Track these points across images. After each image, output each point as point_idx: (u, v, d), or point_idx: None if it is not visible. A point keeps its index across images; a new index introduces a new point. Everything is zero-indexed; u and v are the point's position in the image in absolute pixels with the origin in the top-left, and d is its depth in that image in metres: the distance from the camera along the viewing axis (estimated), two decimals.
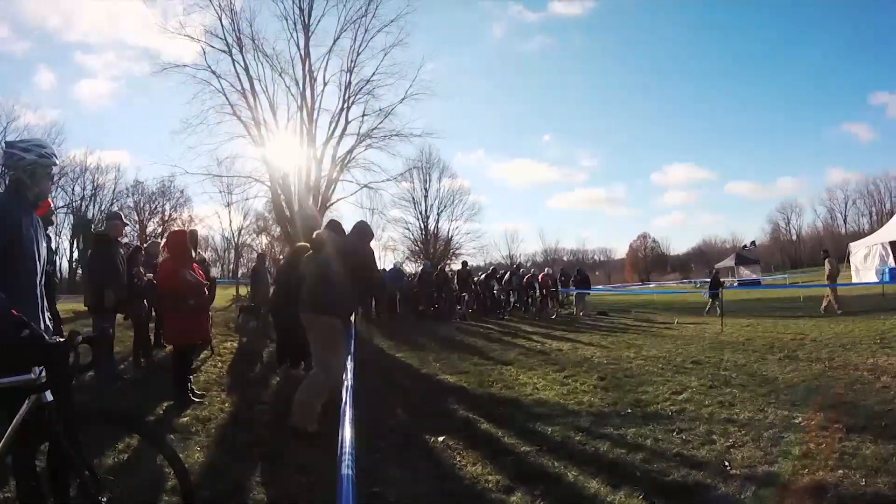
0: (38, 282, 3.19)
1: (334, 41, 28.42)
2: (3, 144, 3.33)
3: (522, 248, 50.39)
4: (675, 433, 5.09)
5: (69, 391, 3.21)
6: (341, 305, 5.64)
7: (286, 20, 27.92)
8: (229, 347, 10.85)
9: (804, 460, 4.22)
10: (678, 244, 61.64)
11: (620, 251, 69.23)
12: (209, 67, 26.88)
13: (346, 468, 2.41)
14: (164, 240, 8.42)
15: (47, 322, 3.30)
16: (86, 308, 7.70)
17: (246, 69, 27.31)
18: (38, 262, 3.18)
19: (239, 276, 41.93)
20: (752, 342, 10.36)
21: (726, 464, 4.32)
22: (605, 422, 5.51)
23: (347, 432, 2.93)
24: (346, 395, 3.87)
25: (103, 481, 3.05)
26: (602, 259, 69.03)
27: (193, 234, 7.07)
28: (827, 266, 16.91)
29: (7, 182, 3.29)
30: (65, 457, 2.77)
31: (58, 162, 3.37)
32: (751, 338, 10.99)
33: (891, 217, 33.67)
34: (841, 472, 4.02)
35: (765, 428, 5.13)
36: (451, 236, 51.01)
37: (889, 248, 26.87)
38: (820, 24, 70.94)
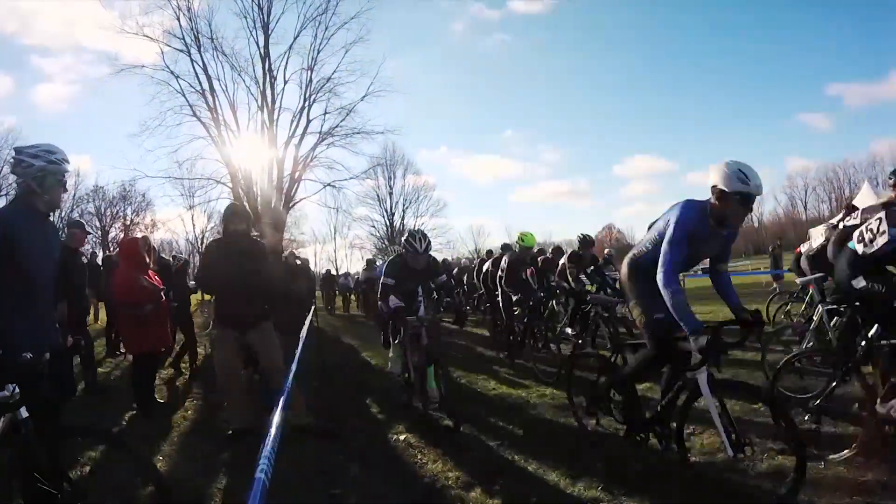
0: (41, 292, 3.07)
1: (294, 39, 28.32)
2: (13, 151, 3.16)
3: (489, 242, 50.17)
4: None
5: (49, 408, 3.09)
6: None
7: (245, 18, 27.75)
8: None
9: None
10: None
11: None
12: (167, 68, 26.56)
13: (261, 472, 2.34)
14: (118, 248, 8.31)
15: (51, 333, 3.18)
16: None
17: (205, 69, 27.06)
18: (41, 273, 3.05)
19: None
20: None
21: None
22: (566, 413, 5.50)
23: (271, 437, 2.88)
24: (280, 400, 3.81)
25: (82, 495, 2.97)
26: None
27: (145, 240, 6.88)
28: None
29: (16, 190, 3.17)
30: (42, 473, 2.67)
31: (69, 168, 3.21)
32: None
33: (850, 201, 34.39)
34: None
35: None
36: None
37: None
38: (776, 17, 72.07)
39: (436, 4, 72.42)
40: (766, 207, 61.48)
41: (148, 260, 6.62)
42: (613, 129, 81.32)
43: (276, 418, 3.27)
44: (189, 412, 6.48)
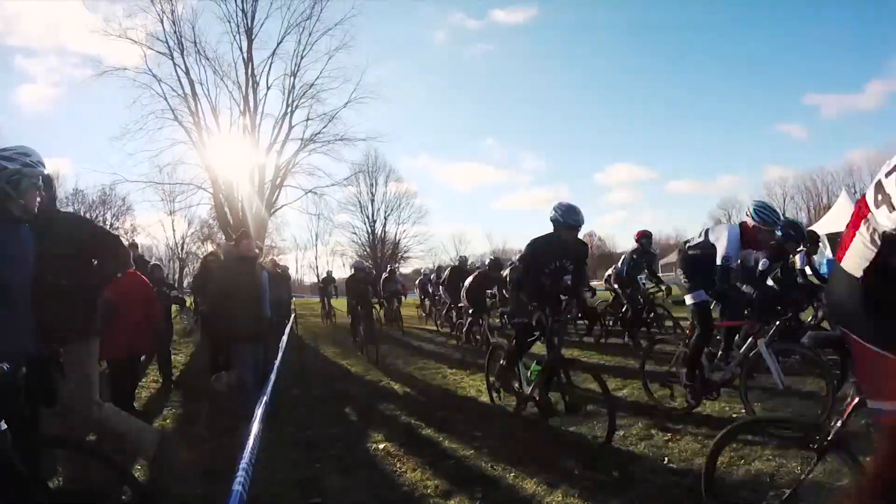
0: (17, 300, 2.97)
1: (278, 44, 28.24)
2: None
3: (470, 249, 50.27)
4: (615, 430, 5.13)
5: (27, 420, 3.01)
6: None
7: (229, 23, 27.61)
8: (173, 361, 10.54)
9: (740, 451, 4.29)
10: (624, 242, 62.43)
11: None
12: (150, 71, 26.33)
13: (238, 484, 2.32)
14: None
15: (28, 342, 3.07)
16: None
17: (187, 73, 26.84)
18: (15, 280, 2.96)
19: (185, 285, 40.96)
20: None
21: (664, 459, 4.39)
22: (545, 421, 5.51)
23: (248, 448, 2.86)
24: (258, 411, 3.78)
25: None
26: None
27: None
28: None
29: None
30: (21, 484, 2.60)
31: (46, 171, 3.08)
32: None
33: (828, 210, 34.95)
34: (776, 461, 4.12)
35: (702, 421, 5.24)
36: (399, 240, 50.95)
37: (826, 240, 27.89)
38: (754, 29, 73.12)
39: (418, 14, 72.66)
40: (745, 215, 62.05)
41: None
42: (594, 137, 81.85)
43: (255, 428, 3.25)
44: (168, 421, 6.41)
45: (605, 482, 4.03)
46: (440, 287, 15.53)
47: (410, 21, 73.89)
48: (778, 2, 69.16)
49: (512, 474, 4.26)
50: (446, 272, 12.91)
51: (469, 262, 18.10)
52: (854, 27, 67.22)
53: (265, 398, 4.32)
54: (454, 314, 13.38)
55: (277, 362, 5.82)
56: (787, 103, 72.79)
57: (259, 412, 3.70)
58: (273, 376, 5.18)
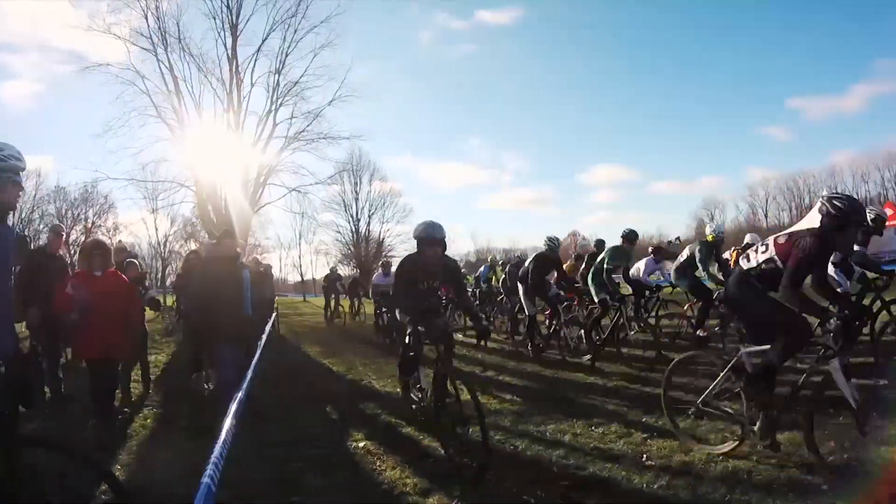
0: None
1: (263, 41, 27.99)
2: None
3: (455, 248, 50.26)
4: (593, 428, 5.18)
5: (6, 418, 2.96)
6: None
7: (214, 19, 27.34)
8: (154, 361, 10.47)
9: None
10: (607, 242, 63.06)
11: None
12: (133, 67, 26.03)
13: (207, 477, 2.31)
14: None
15: (7, 341, 3.01)
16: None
17: (171, 69, 26.57)
18: None
19: (167, 285, 40.59)
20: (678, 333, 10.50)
21: (643, 456, 4.43)
22: (526, 420, 5.55)
23: (219, 442, 2.85)
24: (232, 407, 3.76)
25: None
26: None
27: (84, 247, 6.69)
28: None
29: None
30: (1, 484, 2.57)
31: (25, 166, 2.98)
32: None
33: (809, 210, 35.40)
34: (754, 459, 4.19)
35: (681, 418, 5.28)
36: (383, 239, 50.78)
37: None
38: (738, 33, 73.83)
39: (404, 13, 72.59)
40: (728, 215, 62.44)
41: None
42: (578, 138, 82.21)
43: (227, 424, 3.24)
44: (148, 420, 6.35)
45: (585, 479, 4.07)
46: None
47: (396, 20, 73.82)
48: (763, 6, 69.87)
49: (492, 472, 4.25)
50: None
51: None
52: (838, 31, 68.00)
53: (240, 395, 4.28)
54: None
55: (255, 360, 5.77)
56: (771, 106, 73.50)
57: (233, 408, 3.67)
58: (250, 374, 5.13)
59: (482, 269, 16.98)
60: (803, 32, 68.70)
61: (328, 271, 22.04)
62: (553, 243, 9.47)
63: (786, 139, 71.30)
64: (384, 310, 13.07)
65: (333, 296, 19.88)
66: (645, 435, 4.91)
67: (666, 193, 77.47)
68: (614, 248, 9.16)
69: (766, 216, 60.40)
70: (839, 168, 57.64)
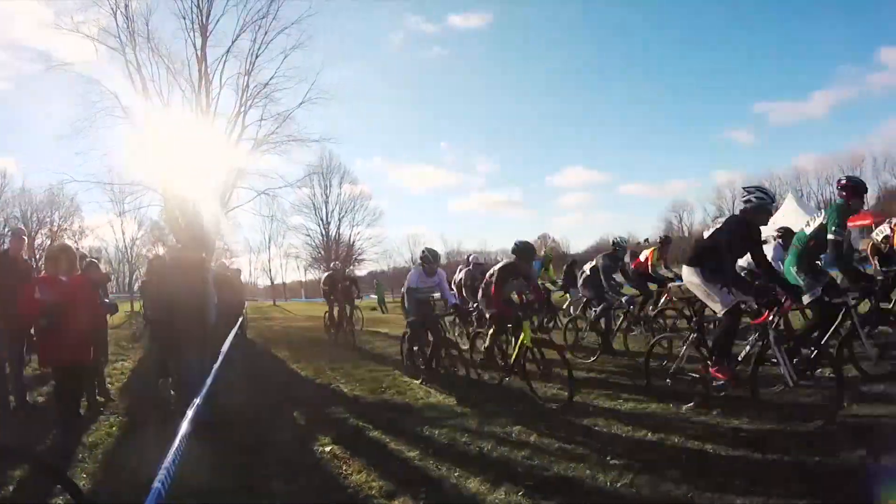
0: None
1: (233, 42, 27.60)
2: None
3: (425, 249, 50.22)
4: (559, 428, 5.22)
5: None
6: None
7: (184, 19, 26.84)
8: (120, 367, 10.31)
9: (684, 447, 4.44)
10: (578, 243, 63.63)
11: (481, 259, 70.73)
12: (101, 67, 25.50)
13: (158, 482, 2.30)
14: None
15: None
16: None
17: (139, 69, 26.08)
18: None
19: (134, 289, 39.91)
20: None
21: (607, 455, 4.45)
22: (492, 421, 5.57)
23: (173, 448, 2.84)
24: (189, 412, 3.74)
25: None
26: (504, 259, 70.31)
27: (51, 250, 6.56)
28: None
29: None
30: None
31: None
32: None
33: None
34: (717, 456, 4.28)
35: (646, 417, 5.37)
36: (353, 242, 50.64)
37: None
38: (706, 39, 75.44)
39: (374, 16, 72.88)
40: (696, 218, 63.60)
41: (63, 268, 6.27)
42: (547, 141, 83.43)
43: (183, 429, 3.21)
44: (114, 428, 6.24)
45: (549, 479, 4.10)
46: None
47: (367, 23, 73.91)
48: (730, 14, 71.31)
49: (456, 473, 4.29)
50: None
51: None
52: (802, 39, 69.88)
53: (198, 401, 4.25)
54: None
55: (217, 366, 5.72)
56: (738, 110, 75.56)
57: (190, 414, 3.64)
58: (210, 380, 5.09)
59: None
60: (769, 40, 70.46)
61: (330, 270, 17.52)
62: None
63: (751, 142, 73.00)
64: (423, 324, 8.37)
65: (337, 302, 14.92)
66: (610, 434, 4.97)
67: (635, 195, 78.65)
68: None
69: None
70: (803, 170, 59.40)
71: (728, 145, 75.74)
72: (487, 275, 7.74)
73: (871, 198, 52.94)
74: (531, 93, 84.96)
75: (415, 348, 8.35)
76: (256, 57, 28.17)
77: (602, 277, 9.52)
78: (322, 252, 49.04)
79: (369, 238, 50.97)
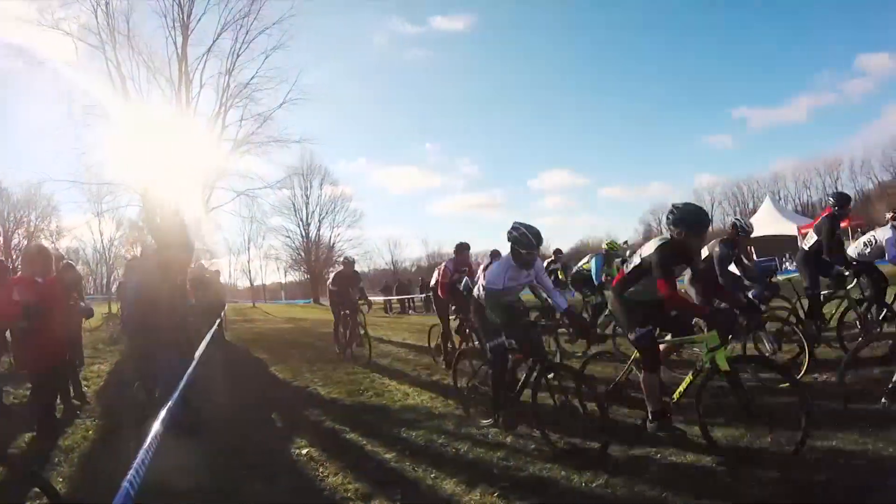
0: None
1: (214, 41, 27.43)
2: None
3: (406, 253, 50.30)
4: (535, 430, 5.22)
5: None
6: None
7: (165, 17, 26.63)
8: (97, 370, 10.19)
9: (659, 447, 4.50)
10: (559, 244, 64.16)
11: (503, 253, 71.37)
12: (81, 65, 25.17)
13: (126, 482, 2.30)
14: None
15: None
16: None
17: (118, 68, 25.82)
18: None
19: (112, 291, 39.45)
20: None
21: (583, 456, 4.50)
22: (469, 423, 5.59)
23: (144, 447, 2.83)
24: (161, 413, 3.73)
25: None
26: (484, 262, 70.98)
27: (28, 251, 6.48)
28: None
29: None
30: None
31: None
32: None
33: (752, 215, 36.68)
34: (690, 457, 4.33)
35: (623, 416, 5.38)
36: (333, 243, 50.44)
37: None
38: (686, 44, 76.47)
39: (357, 17, 72.78)
40: None
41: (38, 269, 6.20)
42: (529, 144, 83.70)
43: (155, 428, 3.20)
44: (90, 432, 6.17)
45: (524, 480, 4.13)
46: None
47: (349, 24, 73.76)
48: (711, 21, 72.17)
49: (432, 475, 4.32)
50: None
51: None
52: (783, 44, 70.83)
53: (170, 402, 4.23)
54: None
55: (193, 367, 5.69)
56: (717, 116, 76.40)
57: (163, 413, 3.63)
58: (184, 381, 5.06)
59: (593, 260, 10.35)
60: (749, 47, 71.38)
61: (340, 266, 12.42)
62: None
63: (731, 147, 73.91)
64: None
65: (349, 313, 11.02)
66: (586, 435, 4.97)
67: (616, 198, 79.13)
68: None
69: (712, 220, 62.60)
70: (782, 175, 60.38)
71: (709, 149, 76.63)
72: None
73: None
74: (513, 95, 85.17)
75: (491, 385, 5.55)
76: (237, 57, 28.13)
77: (717, 269, 7.11)
78: (302, 254, 48.84)
79: (350, 239, 50.77)
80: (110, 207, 31.35)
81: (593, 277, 9.79)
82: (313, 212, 50.10)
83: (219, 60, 28.13)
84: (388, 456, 4.87)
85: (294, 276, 53.26)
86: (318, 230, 50.14)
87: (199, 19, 27.38)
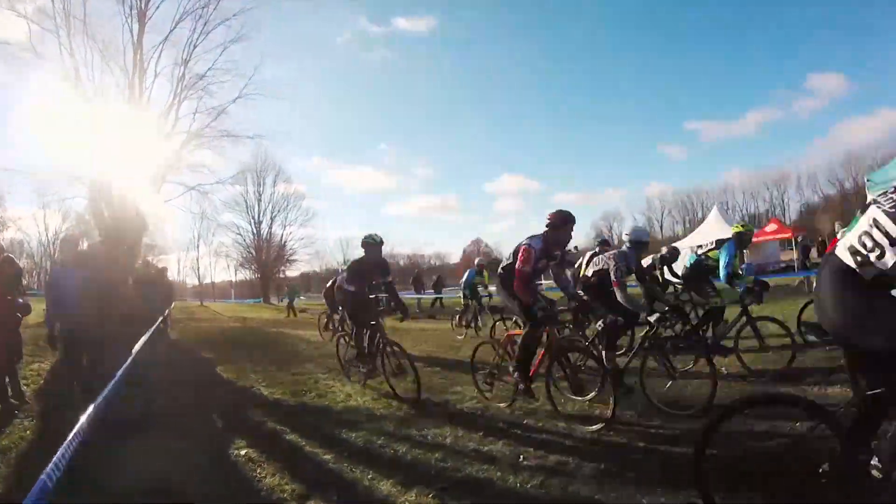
0: None
1: (171, 30, 26.57)
2: None
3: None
4: (475, 430, 5.30)
5: None
6: None
7: (122, 4, 25.60)
8: (37, 369, 9.86)
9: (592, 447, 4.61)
10: (510, 249, 65.15)
11: (455, 256, 72.72)
12: (33, 49, 24.10)
13: (45, 475, 2.27)
14: None
15: None
16: None
17: (72, 54, 24.85)
18: None
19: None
20: None
21: (520, 456, 4.57)
22: (410, 424, 5.63)
23: (66, 442, 2.79)
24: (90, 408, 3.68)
25: None
26: (438, 263, 71.57)
27: None
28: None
29: None
30: None
31: None
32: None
33: (700, 224, 37.75)
34: (624, 456, 4.42)
35: (561, 419, 5.51)
36: (285, 242, 49.89)
37: (694, 251, 30.10)
38: (642, 58, 78.62)
39: (320, 14, 72.41)
40: (626, 227, 65.95)
41: None
42: (486, 148, 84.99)
43: (80, 425, 3.15)
44: (28, 432, 5.97)
45: (461, 480, 4.18)
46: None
47: (313, 21, 73.40)
48: (669, 35, 74.28)
49: (370, 476, 4.33)
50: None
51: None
52: (737, 62, 73.76)
53: (100, 399, 4.17)
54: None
55: (129, 364, 5.59)
56: (671, 128, 78.95)
57: (90, 410, 3.58)
58: (116, 379, 4.98)
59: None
60: (706, 62, 73.83)
61: (354, 259, 8.28)
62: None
63: (682, 157, 76.31)
64: None
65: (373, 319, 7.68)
66: (524, 436, 5.08)
67: (570, 203, 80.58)
68: None
69: (661, 228, 64.22)
70: (731, 186, 62.65)
71: (661, 159, 78.94)
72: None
73: (793, 212, 56.24)
74: (472, 100, 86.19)
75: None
76: (194, 47, 27.34)
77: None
78: (252, 252, 48.17)
79: (301, 238, 50.31)
80: (56, 199, 30.27)
81: (721, 270, 7.59)
82: (265, 209, 49.53)
83: (175, 50, 27.33)
84: (326, 457, 4.85)
85: (245, 275, 52.56)
86: (270, 228, 49.59)
87: (158, 7, 26.56)
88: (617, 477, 4.06)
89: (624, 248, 6.97)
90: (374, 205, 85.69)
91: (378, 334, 7.21)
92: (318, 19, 74.21)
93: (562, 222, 5.74)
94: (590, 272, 7.10)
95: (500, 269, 6.14)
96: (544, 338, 5.77)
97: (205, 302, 47.15)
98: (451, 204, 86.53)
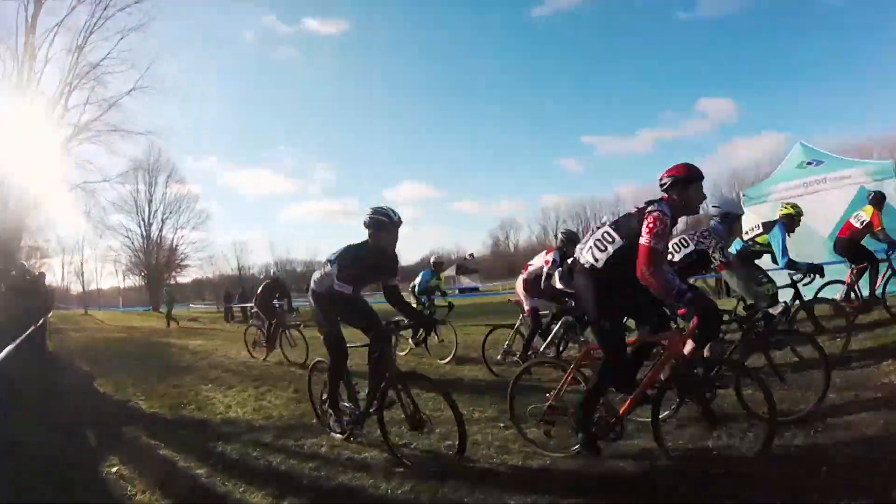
0: None
1: (67, 13, 25.01)
2: None
3: (252, 258, 49.13)
4: (351, 439, 5.37)
5: None
6: None
7: None
8: None
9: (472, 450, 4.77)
10: (408, 255, 65.84)
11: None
12: None
13: None
14: None
15: None
16: None
17: None
18: None
19: None
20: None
21: (395, 463, 4.69)
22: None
23: None
24: None
25: None
26: None
27: None
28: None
29: None
30: None
31: None
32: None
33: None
34: (498, 459, 4.63)
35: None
36: (176, 246, 47.98)
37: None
38: (543, 73, 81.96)
39: (228, 9, 70.13)
40: (522, 235, 68.30)
41: None
42: (386, 155, 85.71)
43: None
44: None
45: (334, 489, 4.30)
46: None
47: (218, 15, 71.14)
48: (570, 52, 77.76)
49: (241, 489, 4.38)
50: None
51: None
52: (633, 83, 78.12)
53: None
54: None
55: None
56: (568, 141, 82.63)
57: None
58: None
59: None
60: (605, 80, 77.69)
61: (350, 245, 5.33)
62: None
63: (578, 170, 79.98)
64: None
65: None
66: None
67: (467, 211, 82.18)
68: None
69: (556, 237, 67.41)
70: (623, 198, 66.33)
71: (558, 171, 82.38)
72: None
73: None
74: (376, 106, 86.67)
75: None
76: (91, 33, 26.00)
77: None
78: (141, 256, 45.99)
79: (194, 242, 48.47)
80: None
81: (779, 256, 7.17)
82: (156, 210, 47.37)
83: (70, 35, 25.74)
84: (200, 471, 4.84)
85: (133, 281, 50.06)
86: (161, 231, 47.48)
87: None
88: (487, 480, 4.21)
89: (712, 223, 6.00)
90: (272, 208, 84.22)
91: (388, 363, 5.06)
92: (224, 14, 72.07)
93: (698, 175, 4.35)
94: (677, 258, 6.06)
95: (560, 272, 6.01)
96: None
97: (89, 310, 44.68)
98: (351, 208, 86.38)
